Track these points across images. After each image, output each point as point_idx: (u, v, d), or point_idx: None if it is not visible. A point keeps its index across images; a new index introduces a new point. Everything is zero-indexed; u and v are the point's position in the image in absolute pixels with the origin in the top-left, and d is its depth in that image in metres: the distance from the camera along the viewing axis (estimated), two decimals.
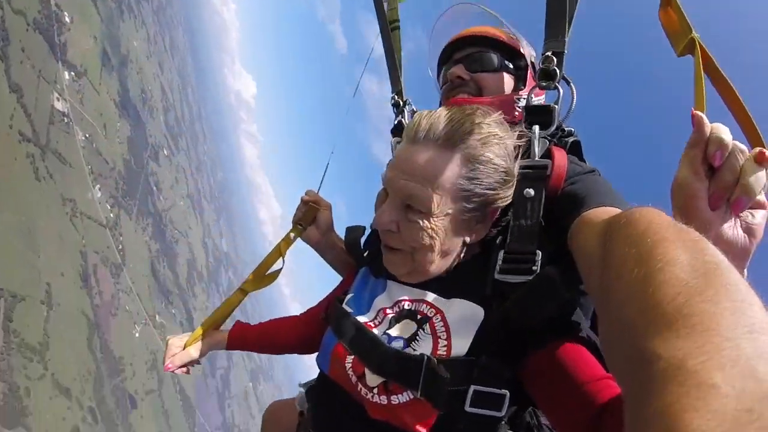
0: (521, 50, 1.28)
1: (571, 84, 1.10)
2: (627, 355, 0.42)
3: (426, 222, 0.91)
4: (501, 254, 0.92)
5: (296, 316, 1.46)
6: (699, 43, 0.91)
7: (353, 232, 1.37)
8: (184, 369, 1.40)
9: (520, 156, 0.99)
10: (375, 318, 1.03)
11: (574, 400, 0.78)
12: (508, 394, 0.83)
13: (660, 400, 0.32)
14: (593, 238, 0.67)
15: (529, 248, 0.90)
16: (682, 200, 0.67)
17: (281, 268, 1.51)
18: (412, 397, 0.87)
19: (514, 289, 0.87)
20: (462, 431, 0.86)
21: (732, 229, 0.66)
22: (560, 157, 0.99)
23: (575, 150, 1.12)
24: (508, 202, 0.96)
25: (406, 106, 1.54)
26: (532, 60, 1.28)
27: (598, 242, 0.65)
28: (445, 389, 0.83)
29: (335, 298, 1.17)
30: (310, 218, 1.45)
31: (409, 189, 0.91)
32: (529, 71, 1.28)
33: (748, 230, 0.66)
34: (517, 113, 1.19)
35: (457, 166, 0.90)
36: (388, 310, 1.02)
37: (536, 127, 1.06)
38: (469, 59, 1.27)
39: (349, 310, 1.07)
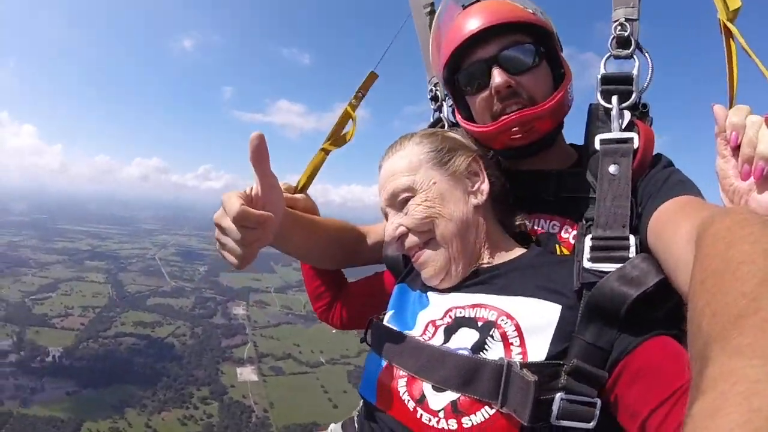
0: (550, 27, 1.03)
1: (647, 53, 1.00)
2: (694, 358, 0.42)
3: (418, 199, 0.95)
4: (587, 240, 0.80)
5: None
6: (724, 23, 0.94)
7: None
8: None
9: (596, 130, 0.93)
10: (424, 333, 0.91)
11: (669, 403, 0.68)
12: (599, 402, 0.74)
13: (706, 397, 0.32)
14: (681, 240, 0.66)
15: (620, 233, 0.78)
16: (720, 183, 0.75)
17: (353, 129, 1.58)
18: (489, 414, 0.74)
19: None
20: None
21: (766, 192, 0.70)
22: (648, 131, 0.89)
23: None
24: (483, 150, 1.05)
25: (446, 101, 1.39)
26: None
27: (686, 245, 0.63)
28: (532, 397, 0.72)
29: (373, 319, 1.05)
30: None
31: (391, 190, 0.99)
32: (558, 50, 1.05)
33: None
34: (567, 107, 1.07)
35: (416, 148, 1.01)
36: (438, 322, 0.90)
37: (615, 98, 0.95)
38: (504, 59, 0.97)
39: (393, 327, 0.98)
